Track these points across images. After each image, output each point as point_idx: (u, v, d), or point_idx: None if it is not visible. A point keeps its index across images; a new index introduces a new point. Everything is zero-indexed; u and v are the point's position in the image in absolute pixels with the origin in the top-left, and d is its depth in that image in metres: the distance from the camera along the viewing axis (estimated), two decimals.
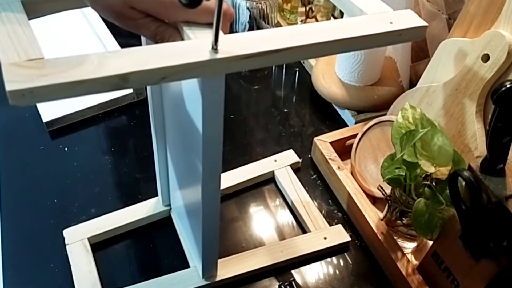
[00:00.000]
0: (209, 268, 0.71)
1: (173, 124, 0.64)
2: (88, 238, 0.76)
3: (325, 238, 0.78)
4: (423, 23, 0.52)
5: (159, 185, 0.78)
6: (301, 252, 0.76)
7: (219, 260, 0.71)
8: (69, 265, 0.73)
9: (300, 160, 0.91)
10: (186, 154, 0.60)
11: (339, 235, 0.79)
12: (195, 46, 0.43)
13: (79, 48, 1.10)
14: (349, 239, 0.78)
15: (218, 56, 0.42)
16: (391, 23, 0.51)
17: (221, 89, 0.46)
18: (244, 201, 0.86)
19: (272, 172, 0.89)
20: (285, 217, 0.84)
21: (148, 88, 0.66)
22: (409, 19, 0.52)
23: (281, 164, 0.90)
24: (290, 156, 0.91)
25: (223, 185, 0.84)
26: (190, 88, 0.50)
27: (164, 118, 0.68)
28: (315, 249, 0.77)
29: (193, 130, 0.52)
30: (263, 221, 0.83)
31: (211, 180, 0.56)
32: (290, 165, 0.89)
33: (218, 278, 0.72)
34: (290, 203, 0.85)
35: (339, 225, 0.80)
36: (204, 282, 0.71)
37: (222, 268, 0.72)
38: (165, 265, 0.76)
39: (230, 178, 0.86)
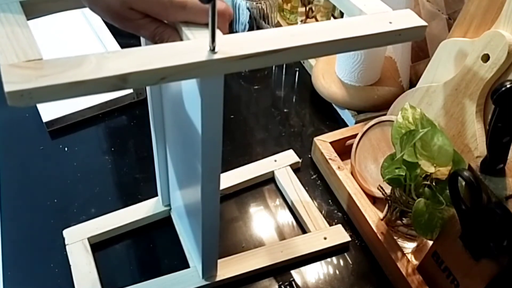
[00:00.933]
0: (209, 268, 0.71)
1: (173, 124, 0.64)
2: (88, 238, 0.76)
3: (325, 238, 0.78)
4: (422, 23, 0.51)
5: (159, 185, 0.78)
6: (301, 252, 0.76)
7: (219, 260, 0.71)
8: (69, 265, 0.73)
9: (300, 160, 0.91)
10: (186, 154, 0.60)
11: (339, 235, 0.79)
12: (194, 46, 0.43)
13: (79, 48, 1.10)
14: (349, 239, 0.78)
15: (217, 56, 0.42)
16: (390, 23, 0.50)
17: (220, 89, 0.46)
18: (244, 201, 0.86)
19: (272, 172, 0.88)
20: (285, 217, 0.84)
21: (148, 88, 0.66)
22: (409, 19, 0.52)
23: (281, 164, 0.89)
24: (290, 156, 0.91)
25: (223, 185, 0.84)
26: (189, 89, 0.50)
27: (164, 118, 0.68)
28: (315, 249, 0.76)
29: (192, 130, 0.52)
30: (263, 221, 0.83)
31: (211, 180, 0.56)
32: (290, 165, 0.89)
33: (218, 278, 0.72)
34: (290, 203, 0.85)
35: (339, 225, 0.80)
36: (204, 282, 0.71)
37: (222, 268, 0.72)
38: (165, 265, 0.76)
39: (230, 178, 0.86)
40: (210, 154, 0.52)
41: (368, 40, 0.49)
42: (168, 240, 0.79)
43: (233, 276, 0.73)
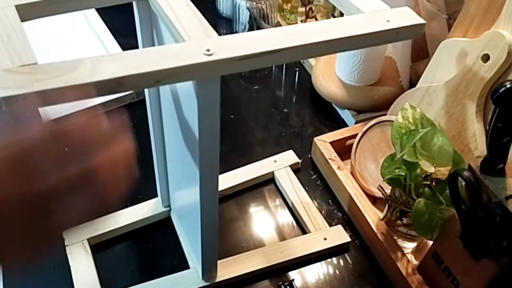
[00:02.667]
0: (209, 269, 0.71)
1: (171, 126, 0.64)
2: (88, 239, 0.76)
3: (325, 239, 0.77)
4: (420, 20, 0.51)
5: (158, 186, 0.78)
6: (301, 253, 0.76)
7: (219, 261, 0.71)
8: (69, 266, 0.73)
9: (300, 161, 0.91)
10: (184, 156, 0.60)
11: (339, 235, 0.79)
12: (189, 48, 0.43)
13: (79, 49, 1.10)
14: (349, 239, 0.78)
15: (212, 58, 0.41)
16: (388, 21, 0.50)
17: (216, 91, 0.46)
18: (244, 202, 0.86)
19: (272, 172, 0.88)
20: (285, 218, 0.83)
21: (146, 90, 0.66)
22: (407, 17, 0.51)
23: (281, 164, 0.89)
24: (290, 157, 0.91)
25: (223, 186, 0.84)
26: (186, 90, 0.50)
27: (162, 120, 0.68)
28: (315, 250, 0.76)
29: (189, 132, 0.52)
30: (263, 221, 0.83)
31: (209, 181, 0.56)
32: (290, 166, 0.89)
33: (218, 279, 0.72)
34: (290, 204, 0.85)
35: (339, 226, 0.80)
36: (204, 283, 0.71)
37: (222, 269, 0.72)
38: (165, 266, 0.76)
39: (230, 179, 0.86)
40: (207, 156, 0.52)
41: (365, 39, 0.49)
42: (168, 241, 0.79)
43: (233, 277, 0.73)
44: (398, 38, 0.51)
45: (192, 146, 0.53)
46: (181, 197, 0.72)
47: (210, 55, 0.42)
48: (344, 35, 0.47)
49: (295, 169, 0.90)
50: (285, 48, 0.44)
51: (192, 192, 0.60)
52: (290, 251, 0.76)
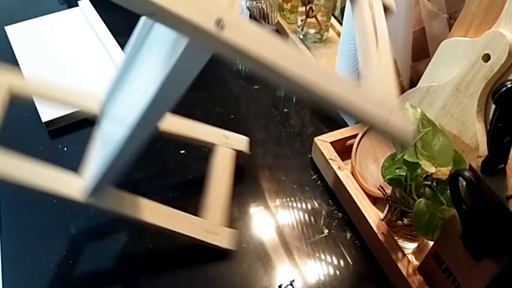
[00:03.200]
0: (99, 188, 0.68)
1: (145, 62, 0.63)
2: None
3: (211, 232, 0.75)
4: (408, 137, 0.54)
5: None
6: (180, 230, 0.73)
7: (117, 192, 0.71)
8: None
9: (249, 153, 0.90)
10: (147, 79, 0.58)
11: (227, 238, 0.76)
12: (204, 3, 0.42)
13: (79, 49, 1.10)
14: (233, 248, 0.76)
15: (220, 32, 0.41)
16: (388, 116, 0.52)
17: (200, 64, 0.46)
18: (244, 202, 0.86)
19: (214, 145, 0.87)
20: (286, 218, 0.83)
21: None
22: (403, 125, 0.55)
23: (228, 143, 0.87)
24: (242, 142, 0.89)
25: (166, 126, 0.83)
26: (173, 46, 0.48)
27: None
28: (196, 236, 0.74)
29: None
30: (263, 221, 0.83)
31: (158, 107, 0.55)
32: (237, 151, 0.88)
33: (99, 204, 0.70)
34: (206, 184, 0.82)
35: (236, 231, 0.78)
36: (86, 200, 0.69)
37: (114, 200, 0.71)
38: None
39: (175, 124, 0.85)
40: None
41: (360, 114, 0.52)
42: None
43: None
44: (383, 134, 0.54)
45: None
46: (121, 106, 0.70)
47: (220, 27, 0.41)
48: (349, 98, 0.50)
49: (241, 160, 0.88)
50: (290, 76, 0.44)
51: (136, 106, 0.58)
52: (172, 221, 0.74)
